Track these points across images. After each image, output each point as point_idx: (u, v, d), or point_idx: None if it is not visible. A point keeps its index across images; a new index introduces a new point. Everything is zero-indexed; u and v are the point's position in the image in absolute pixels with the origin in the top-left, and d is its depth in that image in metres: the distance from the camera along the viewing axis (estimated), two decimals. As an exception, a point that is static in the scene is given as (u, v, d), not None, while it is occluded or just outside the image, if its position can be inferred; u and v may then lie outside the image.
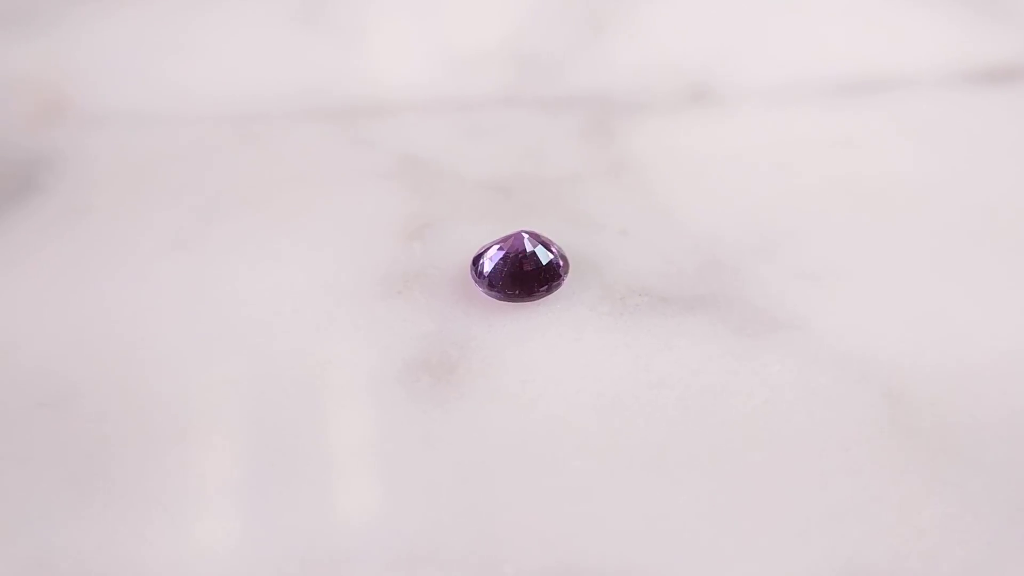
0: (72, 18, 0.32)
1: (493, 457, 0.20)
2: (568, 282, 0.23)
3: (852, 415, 0.20)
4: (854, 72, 0.30)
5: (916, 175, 0.26)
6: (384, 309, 0.23)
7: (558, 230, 0.24)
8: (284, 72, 0.31)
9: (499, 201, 0.26)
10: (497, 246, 0.23)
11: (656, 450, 0.20)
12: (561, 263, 0.23)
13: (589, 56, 0.32)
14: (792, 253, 0.24)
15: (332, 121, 0.29)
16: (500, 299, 0.23)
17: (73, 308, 0.23)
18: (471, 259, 0.23)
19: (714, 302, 0.23)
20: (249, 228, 0.25)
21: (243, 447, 0.20)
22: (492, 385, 0.21)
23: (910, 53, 0.31)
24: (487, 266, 0.22)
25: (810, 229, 0.25)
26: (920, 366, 0.21)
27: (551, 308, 0.23)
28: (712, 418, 0.20)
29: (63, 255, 0.24)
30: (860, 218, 0.25)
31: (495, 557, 0.18)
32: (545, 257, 0.22)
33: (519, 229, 0.23)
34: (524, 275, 0.22)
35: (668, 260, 0.24)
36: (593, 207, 0.25)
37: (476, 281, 0.23)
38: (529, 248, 0.22)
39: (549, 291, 0.23)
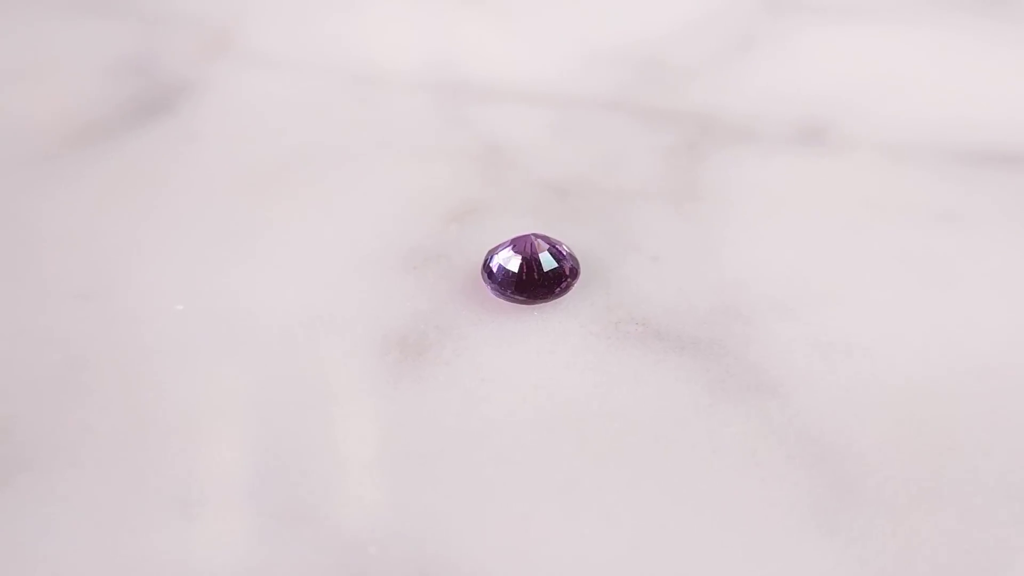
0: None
1: (413, 443, 0.20)
2: (575, 293, 0.23)
3: (787, 499, 0.19)
4: (983, 143, 0.27)
5: (1004, 268, 0.23)
6: (393, 281, 0.24)
7: (590, 242, 0.24)
8: (418, 42, 0.32)
9: (551, 201, 0.26)
10: (507, 247, 0.23)
11: (564, 478, 0.19)
12: (567, 271, 0.23)
13: (720, 74, 0.30)
14: (815, 319, 0.22)
15: (440, 96, 0.30)
16: (503, 299, 0.23)
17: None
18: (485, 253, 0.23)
19: (707, 348, 0.22)
20: (316, 180, 0.27)
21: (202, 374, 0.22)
22: (450, 376, 0.21)
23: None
24: (495, 266, 0.23)
25: (849, 298, 0.23)
26: (888, 476, 0.19)
27: (545, 316, 0.23)
28: (641, 461, 0.19)
29: (161, 176, 0.27)
30: (907, 300, 0.23)
31: (362, 537, 0.19)
32: (549, 264, 0.22)
33: (531, 232, 0.23)
34: (527, 280, 0.22)
35: (684, 296, 0.23)
36: (639, 227, 0.25)
37: (483, 279, 0.23)
38: (537, 253, 0.22)
39: (553, 297, 0.23)
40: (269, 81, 0.30)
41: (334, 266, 0.24)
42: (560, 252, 0.23)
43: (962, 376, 0.21)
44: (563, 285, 0.23)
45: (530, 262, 0.22)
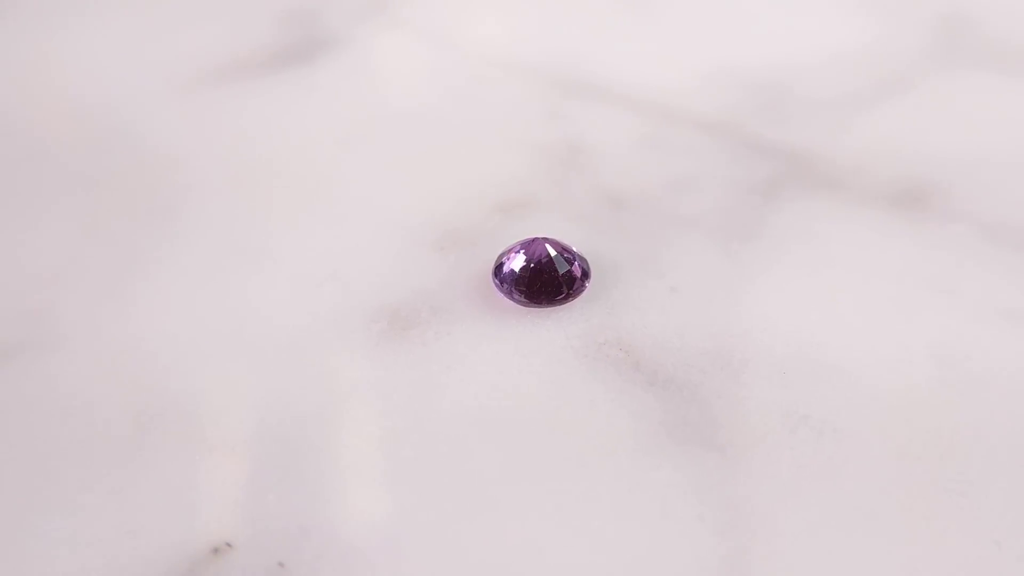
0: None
1: (356, 408, 0.21)
2: (575, 305, 0.23)
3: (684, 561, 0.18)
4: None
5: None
6: (415, 256, 0.24)
7: (619, 259, 0.24)
8: (553, 33, 0.32)
9: (602, 209, 0.25)
10: (516, 250, 0.23)
11: (490, 476, 0.19)
12: (570, 282, 0.22)
13: (842, 115, 0.28)
14: (805, 389, 0.21)
15: (551, 89, 0.30)
16: (508, 299, 0.23)
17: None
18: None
19: (676, 391, 0.21)
20: (398, 147, 0.28)
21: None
22: (421, 357, 0.22)
23: None
24: (502, 266, 0.23)
25: (855, 381, 0.21)
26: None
27: (538, 321, 0.23)
28: (562, 479, 0.19)
29: (265, 123, 0.29)
30: (919, 396, 0.20)
31: (291, 518, 0.20)
32: (563, 267, 0.22)
33: (542, 236, 0.23)
34: (529, 284, 0.22)
35: (681, 333, 0.22)
36: (673, 255, 0.24)
37: (491, 277, 0.23)
38: (545, 258, 0.22)
39: (553, 305, 0.23)
40: (401, 47, 0.32)
41: (368, 229, 0.25)
42: (569, 261, 0.23)
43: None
44: (563, 295, 0.23)
45: (537, 266, 0.22)
